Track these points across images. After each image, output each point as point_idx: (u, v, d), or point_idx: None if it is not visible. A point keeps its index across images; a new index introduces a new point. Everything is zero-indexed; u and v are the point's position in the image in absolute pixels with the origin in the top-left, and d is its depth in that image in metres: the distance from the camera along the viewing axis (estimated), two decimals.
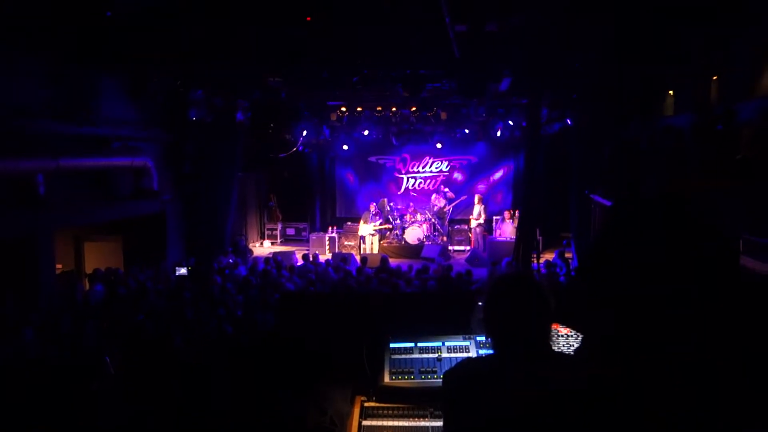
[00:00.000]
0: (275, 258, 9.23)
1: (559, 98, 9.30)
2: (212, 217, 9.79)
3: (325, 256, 11.63)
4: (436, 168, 14.14)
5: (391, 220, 13.00)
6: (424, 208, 13.08)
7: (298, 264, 9.49)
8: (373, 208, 12.24)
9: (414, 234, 12.25)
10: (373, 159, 14.43)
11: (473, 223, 12.29)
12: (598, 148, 9.02)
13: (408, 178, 14.31)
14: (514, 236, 10.37)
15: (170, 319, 5.15)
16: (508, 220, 11.73)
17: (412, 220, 12.64)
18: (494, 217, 12.91)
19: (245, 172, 11.48)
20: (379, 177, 14.48)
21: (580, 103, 9.10)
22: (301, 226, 14.58)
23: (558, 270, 8.14)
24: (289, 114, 11.08)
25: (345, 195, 14.76)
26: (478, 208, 12.20)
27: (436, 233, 12.84)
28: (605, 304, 1.25)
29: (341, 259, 9.28)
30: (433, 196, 13.19)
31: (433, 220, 12.76)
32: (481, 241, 12.08)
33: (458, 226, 13.01)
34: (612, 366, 1.23)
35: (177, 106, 8.44)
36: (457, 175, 14.10)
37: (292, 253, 11.14)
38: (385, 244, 12.36)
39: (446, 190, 13.14)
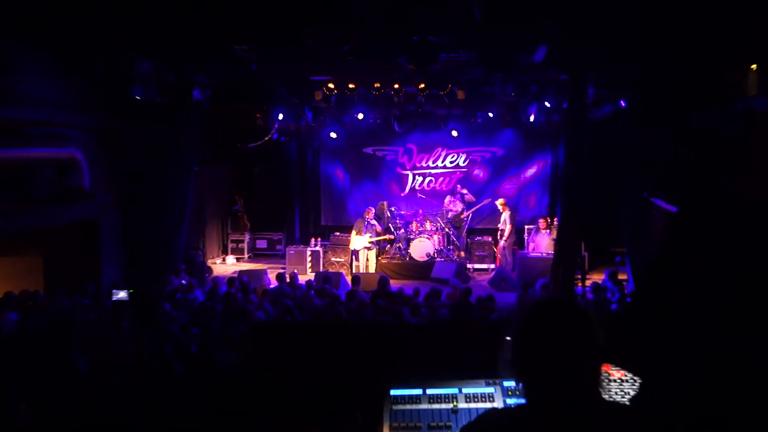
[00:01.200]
0: (241, 278, 9.24)
1: (610, 73, 9.34)
2: (160, 226, 9.77)
3: (307, 276, 11.68)
4: (451, 162, 14.21)
5: (393, 229, 13.07)
6: (436, 215, 13.12)
7: (271, 286, 9.50)
8: (368, 214, 12.28)
9: (422, 248, 12.29)
10: (369, 150, 14.50)
11: (498, 234, 12.35)
12: (660, 137, 9.04)
13: (414, 175, 14.38)
14: (551, 251, 10.40)
15: (104, 357, 5.13)
16: (543, 231, 11.77)
17: (420, 229, 12.68)
18: (526, 227, 12.97)
19: (204, 166, 11.49)
20: (377, 174, 14.56)
21: (637, 78, 9.12)
22: (276, 237, 14.63)
23: (609, 295, 8.14)
24: (260, 92, 11.12)
25: (332, 197, 14.85)
26: (504, 215, 12.24)
27: (451, 247, 12.87)
28: (670, 342, 1.24)
29: (327, 280, 9.28)
30: (447, 198, 13.26)
31: (446, 229, 12.80)
32: (509, 258, 12.14)
33: (479, 238, 13.06)
34: (677, 422, 1.23)
35: (117, 84, 8.42)
36: (478, 172, 14.17)
37: (263, 273, 11.14)
38: (384, 261, 12.42)
39: (464, 191, 13.21)
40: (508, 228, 12.06)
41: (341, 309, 7.18)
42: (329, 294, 8.00)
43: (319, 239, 13.18)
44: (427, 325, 6.01)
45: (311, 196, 14.95)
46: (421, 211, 13.14)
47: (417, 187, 14.28)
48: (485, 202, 12.96)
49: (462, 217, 13.02)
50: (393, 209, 13.36)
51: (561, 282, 7.09)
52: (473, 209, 13.06)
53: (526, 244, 12.58)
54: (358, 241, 12.16)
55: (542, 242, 11.75)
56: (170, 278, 9.25)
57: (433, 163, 14.28)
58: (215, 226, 14.26)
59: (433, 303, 7.61)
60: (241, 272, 10.64)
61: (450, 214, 13.11)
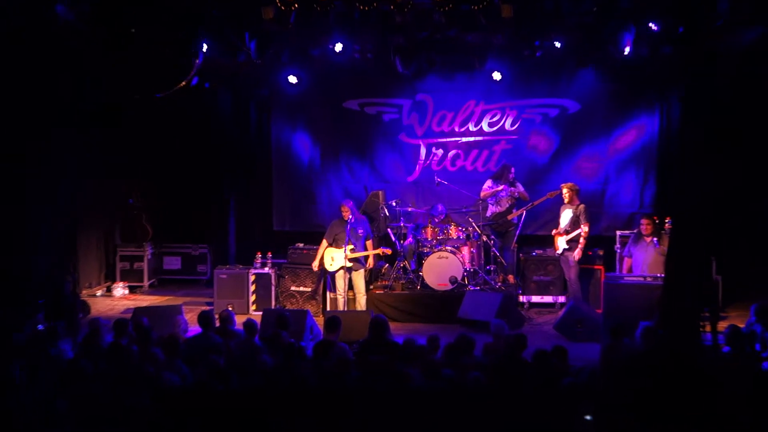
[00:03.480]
0: (138, 321, 9.17)
1: None
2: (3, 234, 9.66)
3: (249, 316, 11.60)
4: (492, 125, 14.22)
5: (394, 238, 13.05)
6: (466, 213, 13.13)
7: (190, 333, 9.45)
8: (346, 212, 12.12)
9: (442, 269, 12.28)
10: (353, 105, 14.50)
11: (558, 242, 12.33)
12: None
13: (430, 146, 14.41)
14: (660, 273, 10.35)
15: None
16: (647, 239, 11.71)
17: (440, 238, 12.67)
18: (617, 233, 12.94)
19: (72, 133, 11.33)
20: (366, 145, 14.60)
21: None
22: (196, 251, 14.69)
23: (758, 347, 8.10)
24: (170, 8, 11.06)
25: (292, 184, 14.89)
26: (571, 212, 12.19)
27: (492, 267, 12.87)
28: None
29: (283, 324, 9.23)
30: (487, 185, 13.22)
31: (483, 237, 12.78)
32: (574, 283, 12.22)
33: (539, 252, 13.10)
34: None
35: None
36: (537, 141, 14.19)
37: (175, 311, 11.02)
38: (379, 292, 12.44)
39: (512, 175, 13.18)
40: (581, 233, 12.02)
41: (307, 371, 7.15)
42: (287, 346, 7.95)
43: (269, 255, 13.16)
44: (452, 397, 5.96)
45: (256, 183, 14.96)
46: (440, 207, 13.12)
47: (434, 167, 14.29)
48: (550, 195, 12.87)
49: (510, 218, 13.03)
50: (394, 203, 13.35)
51: (675, 325, 7.05)
52: (530, 205, 13.05)
53: (617, 262, 12.54)
54: (334, 258, 12.14)
55: (646, 257, 11.68)
56: (23, 322, 9.18)
57: (461, 126, 14.27)
58: (94, 236, 14.28)
59: (461, 360, 7.55)
60: (138, 310, 10.58)
61: (490, 213, 13.11)
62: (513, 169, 13.13)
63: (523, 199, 13.06)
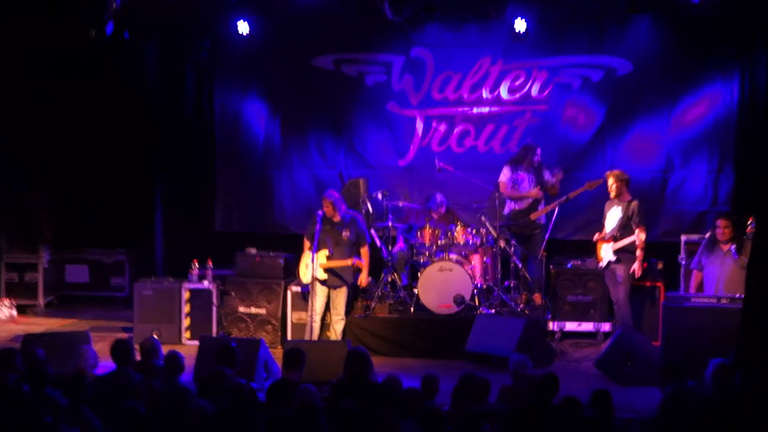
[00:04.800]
0: (30, 352, 9.14)
1: None
2: None
3: (182, 347, 11.67)
4: (513, 91, 14.25)
5: (377, 240, 13.05)
6: (477, 210, 13.15)
7: (100, 369, 9.41)
8: (327, 207, 12.06)
9: (445, 284, 12.32)
10: (325, 63, 14.51)
11: (614, 256, 12.26)
12: None
13: (429, 119, 14.44)
14: (740, 293, 10.34)
15: None
16: (724, 247, 11.69)
17: (440, 242, 12.71)
18: (683, 238, 12.94)
19: None
20: (342, 115, 14.64)
21: None
22: (110, 258, 14.68)
23: None
24: None
25: (242, 169, 14.94)
26: (629, 212, 12.16)
27: (511, 283, 12.91)
28: None
29: (227, 359, 9.20)
30: (504, 175, 13.24)
31: (500, 242, 12.78)
32: (624, 306, 12.19)
33: (575, 264, 13.12)
34: None
35: None
36: (574, 114, 14.22)
37: (81, 340, 11.01)
38: (358, 316, 12.48)
39: (537, 158, 13.19)
40: (634, 240, 11.97)
41: (260, 421, 7.11)
42: (233, 388, 7.92)
43: (209, 264, 13.13)
44: None
45: (193, 169, 14.97)
46: (440, 198, 13.20)
47: (435, 148, 14.34)
48: (589, 186, 12.88)
49: (534, 217, 13.10)
50: (380, 196, 13.35)
51: (759, 363, 7.05)
52: (564, 199, 13.02)
53: (683, 276, 12.56)
54: (310, 264, 11.96)
55: (719, 272, 11.65)
56: None
57: (472, 92, 14.30)
58: None
59: (469, 409, 7.54)
60: (29, 338, 10.55)
61: (508, 210, 13.16)
62: (539, 151, 13.18)
63: (552, 193, 13.07)
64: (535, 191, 13.02)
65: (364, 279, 12.26)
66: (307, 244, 12.12)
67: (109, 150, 14.63)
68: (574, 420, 7.19)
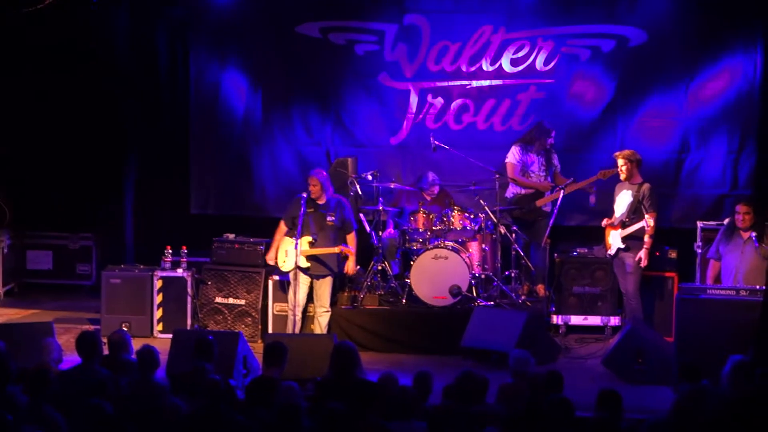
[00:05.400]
0: None
1: None
2: None
3: (154, 340, 11.73)
4: (517, 62, 14.28)
5: (366, 225, 13.15)
6: (475, 191, 13.14)
7: (65, 364, 9.42)
8: (314, 186, 12.01)
9: (440, 274, 12.34)
10: (311, 31, 14.50)
11: (624, 243, 12.25)
12: None
13: (424, 93, 14.47)
14: (762, 284, 10.37)
15: None
16: (744, 235, 11.69)
17: (437, 228, 12.74)
18: (699, 224, 12.95)
19: None
20: (330, 88, 14.66)
21: None
22: (75, 243, 14.68)
23: None
24: None
25: (220, 146, 14.96)
26: (639, 195, 12.16)
27: (513, 273, 12.97)
28: None
29: (204, 353, 9.22)
30: (512, 155, 13.25)
31: (500, 228, 12.82)
32: (633, 299, 12.24)
33: (581, 252, 13.18)
34: None
35: None
36: (583, 88, 14.25)
37: (44, 331, 10.98)
38: (345, 308, 12.51)
39: (551, 140, 13.21)
40: (644, 226, 11.96)
41: (239, 421, 7.15)
42: (209, 385, 7.95)
43: (184, 250, 13.13)
44: None
45: (166, 146, 14.99)
46: (431, 177, 13.27)
47: (430, 124, 14.37)
48: (603, 175, 12.78)
49: (540, 204, 13.13)
50: (370, 177, 13.35)
51: None
52: (571, 186, 12.91)
53: (699, 265, 12.59)
54: (290, 252, 11.99)
55: (738, 261, 11.61)
56: None
57: (471, 64, 14.33)
58: None
59: (466, 410, 7.58)
60: None
61: (511, 193, 13.21)
62: (553, 133, 13.20)
63: (558, 181, 13.11)
64: (546, 183, 13.07)
65: (351, 266, 12.24)
66: (283, 228, 12.11)
67: (75, 125, 14.62)
68: (593, 426, 7.25)
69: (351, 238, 12.15)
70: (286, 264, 12.04)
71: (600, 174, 12.69)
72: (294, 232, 11.87)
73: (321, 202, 11.95)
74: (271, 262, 12.22)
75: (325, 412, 7.14)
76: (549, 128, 13.16)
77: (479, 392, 7.86)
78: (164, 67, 14.88)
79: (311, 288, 12.06)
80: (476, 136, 14.21)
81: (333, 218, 11.97)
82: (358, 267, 12.70)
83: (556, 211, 12.85)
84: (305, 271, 11.92)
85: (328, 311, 12.11)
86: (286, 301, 12.20)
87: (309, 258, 11.88)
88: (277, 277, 12.49)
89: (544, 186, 13.08)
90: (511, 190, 13.18)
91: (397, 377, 8.28)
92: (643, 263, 11.96)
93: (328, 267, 12.06)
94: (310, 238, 11.81)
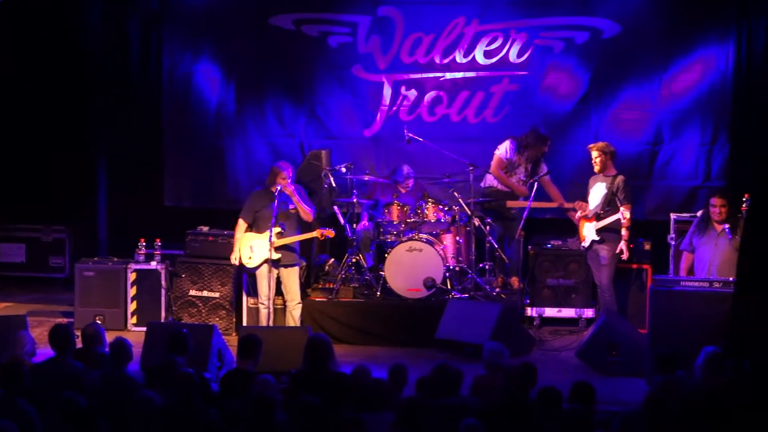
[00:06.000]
0: None
1: None
2: None
3: (127, 333, 11.65)
4: (487, 55, 14.27)
5: (341, 218, 13.10)
6: (449, 183, 13.12)
7: (38, 357, 9.38)
8: (281, 180, 11.96)
9: (414, 266, 12.36)
10: (284, 22, 14.47)
11: (598, 236, 12.30)
12: None
13: (398, 85, 14.46)
14: (734, 275, 10.39)
15: None
16: (718, 227, 11.69)
17: (411, 220, 12.72)
18: (672, 216, 12.94)
19: None
20: (303, 80, 14.65)
21: None
22: (48, 235, 14.63)
23: None
24: None
25: (193, 138, 14.92)
26: (613, 187, 12.16)
27: (487, 266, 13.00)
28: None
29: (178, 346, 9.20)
30: (505, 148, 13.18)
31: (474, 220, 12.84)
32: (607, 291, 12.25)
33: (555, 244, 13.20)
34: None
35: None
36: (556, 80, 14.27)
37: (16, 324, 10.93)
38: (319, 300, 12.51)
39: (547, 149, 13.18)
40: (620, 218, 11.96)
41: (213, 415, 7.11)
42: (183, 378, 7.95)
43: (157, 243, 13.11)
44: None
45: (139, 137, 14.90)
46: (406, 170, 13.25)
47: (404, 116, 14.36)
48: (578, 206, 12.66)
49: (509, 205, 13.14)
50: (344, 169, 13.32)
51: (752, 351, 7.11)
52: (544, 173, 13.09)
53: (673, 257, 12.59)
54: (255, 247, 12.09)
55: (712, 253, 11.60)
56: None
57: (445, 56, 14.32)
58: None
59: (440, 402, 7.61)
60: None
61: (487, 184, 13.22)
62: (548, 143, 13.21)
63: (546, 188, 13.09)
64: (523, 189, 13.05)
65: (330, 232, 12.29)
66: (242, 225, 12.06)
67: (48, 115, 14.55)
68: (557, 413, 7.25)
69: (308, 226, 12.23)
70: (252, 260, 12.01)
71: (577, 204, 12.59)
72: (255, 228, 12.01)
73: (291, 189, 11.90)
74: (236, 263, 12.20)
75: (300, 405, 7.16)
76: (546, 135, 13.18)
77: (454, 384, 7.85)
78: (137, 59, 14.81)
79: (278, 280, 12.05)
80: (450, 128, 14.21)
81: (293, 205, 11.97)
82: (333, 259, 12.74)
83: (529, 203, 12.90)
84: (276, 264, 11.88)
85: (300, 303, 12.13)
86: (255, 296, 12.21)
87: (278, 249, 11.83)
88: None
89: (521, 191, 13.07)
90: (488, 182, 13.18)
91: (370, 369, 8.30)
92: (625, 256, 11.99)
93: (296, 255, 12.15)
94: (278, 229, 11.75)
